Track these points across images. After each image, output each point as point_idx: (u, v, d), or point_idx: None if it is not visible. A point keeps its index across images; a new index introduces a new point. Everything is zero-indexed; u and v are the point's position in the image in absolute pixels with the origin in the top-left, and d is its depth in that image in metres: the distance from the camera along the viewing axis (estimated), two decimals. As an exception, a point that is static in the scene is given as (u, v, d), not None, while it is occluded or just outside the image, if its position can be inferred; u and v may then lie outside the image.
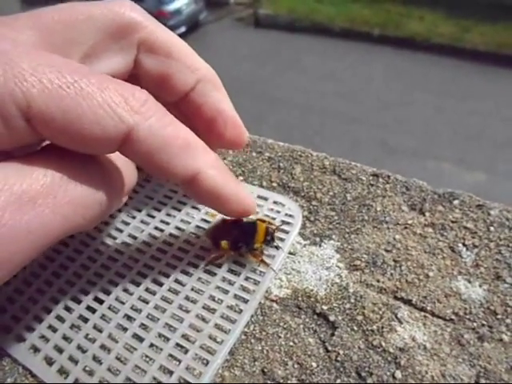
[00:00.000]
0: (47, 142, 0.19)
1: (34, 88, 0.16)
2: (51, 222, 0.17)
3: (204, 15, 5.82)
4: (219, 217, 0.28)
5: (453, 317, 0.23)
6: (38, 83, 0.16)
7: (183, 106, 0.26)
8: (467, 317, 0.23)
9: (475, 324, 0.22)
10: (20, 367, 0.23)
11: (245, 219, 0.26)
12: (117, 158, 0.21)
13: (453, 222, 0.27)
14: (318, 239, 0.27)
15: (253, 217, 0.26)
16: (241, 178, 0.31)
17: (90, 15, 0.22)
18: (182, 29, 5.22)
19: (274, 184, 0.30)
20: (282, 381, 0.21)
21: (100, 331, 0.24)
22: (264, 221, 0.26)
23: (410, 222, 0.27)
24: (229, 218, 0.27)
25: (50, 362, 0.23)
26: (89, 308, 0.25)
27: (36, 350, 0.23)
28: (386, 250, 0.26)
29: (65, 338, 0.24)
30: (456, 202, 0.27)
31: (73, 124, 0.17)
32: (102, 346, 0.23)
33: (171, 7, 5.36)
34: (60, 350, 0.23)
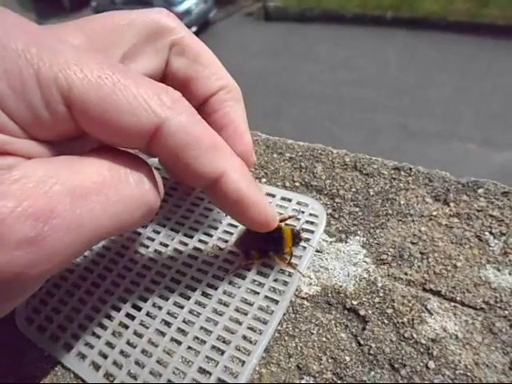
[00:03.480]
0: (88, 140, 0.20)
1: (76, 75, 0.18)
2: (101, 218, 0.18)
3: (214, 13, 5.82)
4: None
5: (483, 306, 0.23)
6: (79, 72, 0.18)
7: (201, 112, 0.27)
8: (498, 305, 0.23)
9: (506, 312, 0.23)
10: (71, 373, 0.24)
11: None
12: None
13: (478, 210, 0.27)
14: (343, 236, 0.27)
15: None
16: (264, 179, 0.32)
17: (130, 20, 0.25)
18: (193, 28, 5.24)
19: (297, 184, 0.31)
20: (317, 375, 0.22)
21: (140, 337, 0.25)
22: (286, 223, 0.27)
23: (434, 213, 0.27)
24: None
25: (96, 366, 0.24)
26: (128, 315, 0.26)
27: (83, 356, 0.25)
28: (412, 243, 0.26)
29: (108, 343, 0.25)
30: (480, 190, 0.27)
31: (109, 112, 0.18)
32: (143, 351, 0.24)
33: (180, 8, 5.39)
34: (105, 356, 0.24)
